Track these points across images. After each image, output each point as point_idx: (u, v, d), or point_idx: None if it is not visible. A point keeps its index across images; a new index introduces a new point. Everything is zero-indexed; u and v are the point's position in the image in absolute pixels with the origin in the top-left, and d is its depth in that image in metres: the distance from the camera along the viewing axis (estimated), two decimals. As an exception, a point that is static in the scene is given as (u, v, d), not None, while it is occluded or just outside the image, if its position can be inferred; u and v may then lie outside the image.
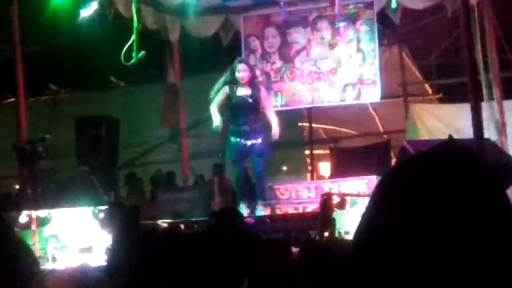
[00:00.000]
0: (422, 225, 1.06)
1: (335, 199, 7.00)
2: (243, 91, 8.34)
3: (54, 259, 7.13)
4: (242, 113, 8.32)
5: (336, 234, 6.62)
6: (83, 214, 7.22)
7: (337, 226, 6.73)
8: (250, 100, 8.32)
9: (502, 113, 9.92)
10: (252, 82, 8.51)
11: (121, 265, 2.92)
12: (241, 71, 8.37)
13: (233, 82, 8.37)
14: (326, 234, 6.42)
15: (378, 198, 1.13)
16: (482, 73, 9.68)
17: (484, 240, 1.05)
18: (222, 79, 8.46)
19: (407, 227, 1.06)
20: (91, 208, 7.23)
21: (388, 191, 1.12)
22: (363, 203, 7.06)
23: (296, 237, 7.74)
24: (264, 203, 8.77)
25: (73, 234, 7.20)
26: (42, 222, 7.27)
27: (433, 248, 1.05)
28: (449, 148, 1.14)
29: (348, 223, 6.87)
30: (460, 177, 1.09)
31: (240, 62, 8.67)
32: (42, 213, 7.32)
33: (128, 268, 2.86)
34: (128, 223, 6.95)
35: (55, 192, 8.89)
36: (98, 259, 6.88)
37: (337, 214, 6.88)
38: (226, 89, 8.38)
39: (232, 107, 8.36)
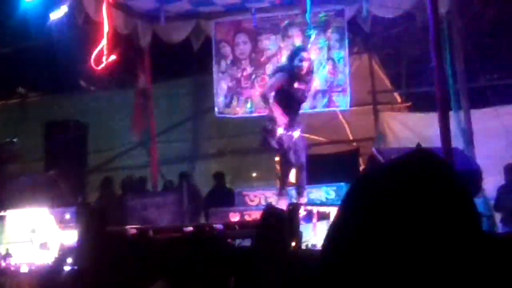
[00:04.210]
0: (392, 234, 1.07)
1: (302, 212, 7.00)
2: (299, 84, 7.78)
3: (8, 256, 7.08)
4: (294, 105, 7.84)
5: (303, 247, 6.63)
6: (40, 212, 7.21)
7: (304, 239, 6.74)
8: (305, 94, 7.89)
9: (469, 122, 10.04)
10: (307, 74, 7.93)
11: (87, 266, 2.89)
12: (305, 60, 7.75)
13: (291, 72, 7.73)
14: (293, 244, 6.42)
15: (348, 207, 1.13)
16: (451, 83, 9.79)
17: (452, 246, 1.06)
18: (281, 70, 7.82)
19: (377, 235, 1.07)
20: (49, 208, 7.22)
21: (357, 200, 1.13)
22: (330, 217, 7.09)
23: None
24: (233, 209, 8.77)
25: (28, 230, 7.19)
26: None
27: (403, 255, 1.06)
28: (418, 156, 1.15)
29: (315, 236, 6.89)
30: (429, 185, 1.10)
31: (304, 49, 8.13)
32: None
33: (94, 270, 2.84)
34: (94, 224, 6.91)
35: (21, 196, 8.80)
36: (54, 255, 6.86)
37: (304, 226, 6.89)
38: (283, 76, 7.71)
39: (287, 98, 7.74)
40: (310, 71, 7.88)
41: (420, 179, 1.10)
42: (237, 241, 7.97)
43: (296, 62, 7.72)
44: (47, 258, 6.89)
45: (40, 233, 7.13)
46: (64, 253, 6.27)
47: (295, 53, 7.90)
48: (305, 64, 7.72)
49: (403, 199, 1.09)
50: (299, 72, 7.70)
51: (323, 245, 1.14)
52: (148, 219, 9.31)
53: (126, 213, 9.72)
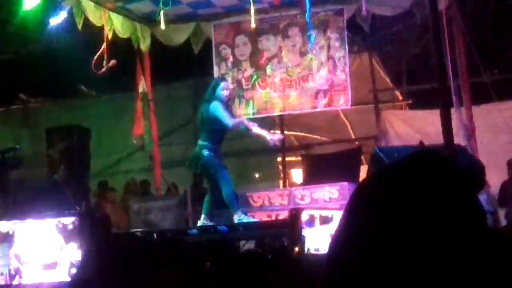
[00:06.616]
0: (399, 237, 1.07)
1: (304, 216, 7.00)
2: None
3: (18, 276, 7.01)
4: (222, 134, 8.20)
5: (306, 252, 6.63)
6: (48, 228, 7.08)
7: (306, 243, 6.74)
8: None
9: (471, 118, 10.02)
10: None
11: (92, 278, 2.88)
12: (225, 89, 8.12)
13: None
14: (296, 249, 6.42)
15: (353, 211, 1.13)
16: (451, 79, 9.77)
17: (457, 245, 1.06)
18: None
19: (384, 239, 1.07)
20: (57, 220, 7.10)
21: (362, 204, 1.13)
22: (333, 220, 7.08)
23: (270, 244, 7.77)
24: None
25: (37, 249, 7.07)
26: (5, 237, 7.14)
27: (411, 259, 1.06)
28: (420, 158, 1.15)
29: (317, 240, 6.88)
30: (434, 186, 1.10)
31: (224, 80, 8.57)
32: (4, 227, 7.17)
33: (99, 281, 2.83)
34: (98, 233, 6.89)
35: (25, 203, 8.79)
36: (63, 275, 6.79)
37: (306, 231, 6.89)
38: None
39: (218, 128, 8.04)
40: (232, 99, 8.45)
41: (423, 182, 1.11)
42: (242, 243, 7.98)
43: (219, 91, 8.00)
44: (56, 277, 6.82)
45: (48, 251, 7.04)
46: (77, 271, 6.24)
47: (217, 83, 8.18)
48: (226, 93, 8.08)
49: (406, 203, 1.09)
50: (225, 101, 8.08)
51: (329, 251, 1.14)
52: (152, 223, 9.32)
53: (129, 217, 9.73)
